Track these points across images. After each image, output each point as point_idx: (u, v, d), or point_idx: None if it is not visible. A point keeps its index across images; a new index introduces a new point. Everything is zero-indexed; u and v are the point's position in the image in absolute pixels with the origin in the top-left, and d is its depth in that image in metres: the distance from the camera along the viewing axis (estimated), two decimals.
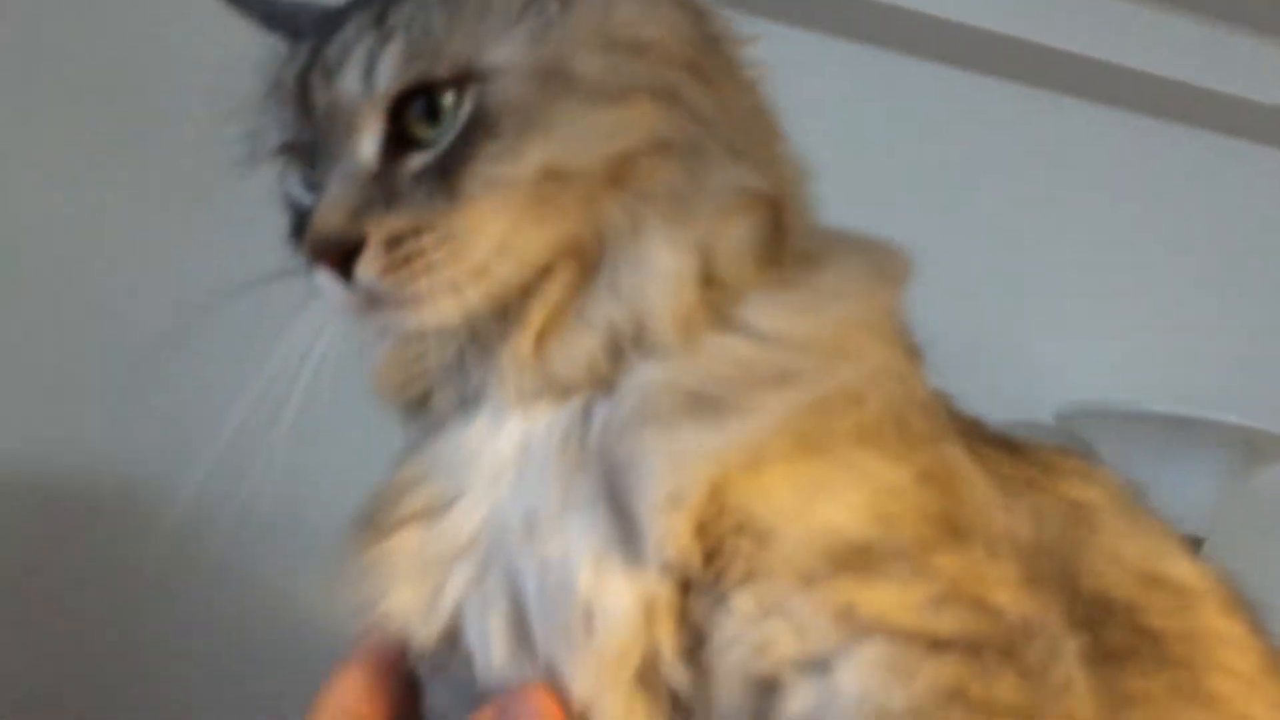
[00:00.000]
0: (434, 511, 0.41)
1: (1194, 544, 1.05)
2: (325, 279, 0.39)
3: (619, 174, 0.40)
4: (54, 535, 0.89)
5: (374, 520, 0.42)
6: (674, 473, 0.37)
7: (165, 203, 0.91)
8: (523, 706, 0.38)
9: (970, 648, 0.35)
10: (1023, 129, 1.13)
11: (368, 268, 0.38)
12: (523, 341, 0.40)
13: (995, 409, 1.21)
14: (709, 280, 0.40)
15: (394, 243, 0.38)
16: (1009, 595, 0.37)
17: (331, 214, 0.39)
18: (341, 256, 0.38)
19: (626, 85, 0.40)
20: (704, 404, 0.38)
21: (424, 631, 0.40)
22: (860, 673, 0.35)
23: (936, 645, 0.35)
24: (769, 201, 0.42)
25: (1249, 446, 1.02)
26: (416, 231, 0.38)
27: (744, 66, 0.45)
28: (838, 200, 1.19)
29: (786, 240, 0.42)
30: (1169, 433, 1.03)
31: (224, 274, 0.44)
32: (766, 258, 0.42)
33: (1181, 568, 0.45)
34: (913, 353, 0.44)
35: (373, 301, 0.39)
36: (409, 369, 0.43)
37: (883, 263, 0.45)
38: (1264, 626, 0.47)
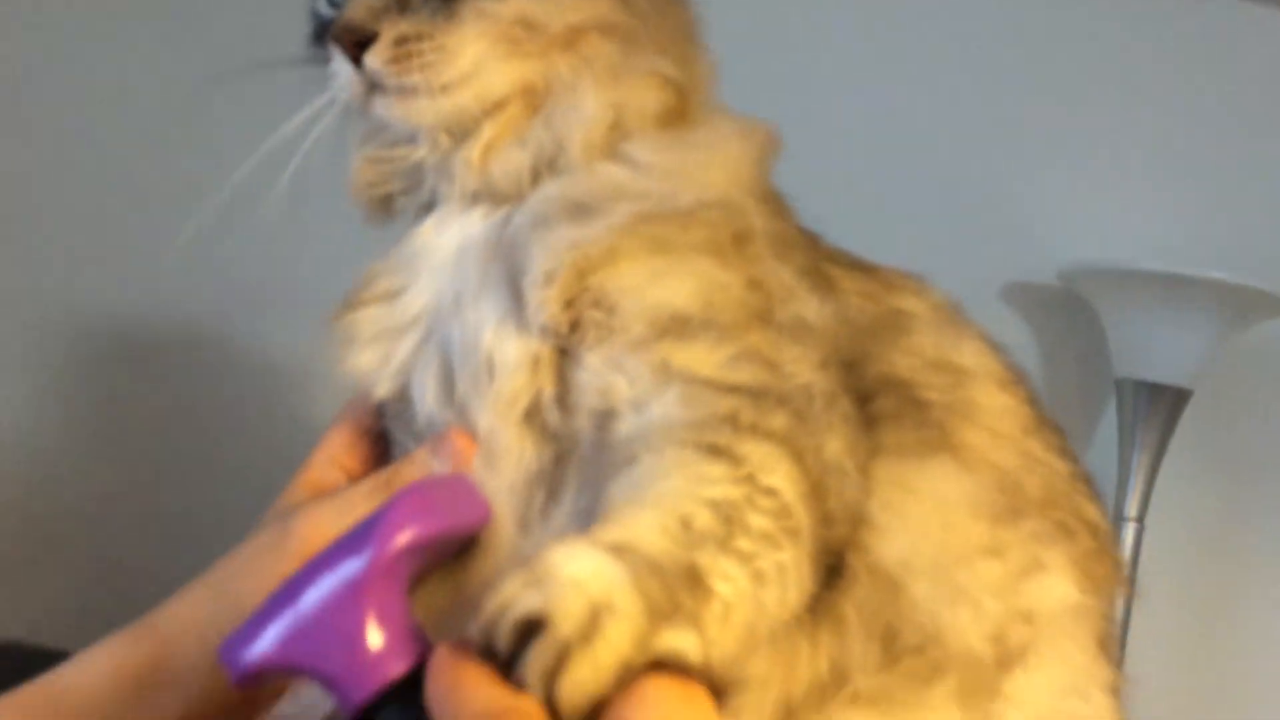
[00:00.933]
0: (392, 294, 0.54)
1: (1181, 396, 1.11)
2: (340, 62, 0.51)
3: (572, 40, 0.52)
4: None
5: (351, 299, 0.55)
6: (548, 258, 0.48)
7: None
8: (446, 442, 0.51)
9: (754, 393, 0.46)
10: None
11: (376, 56, 0.50)
12: (474, 150, 0.52)
13: (1002, 269, 1.29)
14: (616, 127, 0.53)
15: (400, 41, 0.50)
16: (800, 368, 0.48)
17: (358, 9, 0.51)
18: (356, 43, 0.50)
19: None
20: (578, 210, 0.50)
21: (382, 388, 0.53)
22: (664, 404, 0.46)
23: (727, 389, 0.46)
24: (678, 87, 0.54)
25: (1239, 303, 1.07)
26: (418, 36, 0.50)
27: None
28: (843, 63, 1.27)
29: (685, 114, 0.55)
30: (1164, 290, 1.08)
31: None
32: (665, 122, 0.54)
33: (969, 358, 0.54)
34: (769, 199, 0.55)
35: (373, 87, 0.51)
36: (379, 171, 0.56)
37: (750, 129, 0.56)
38: (1041, 405, 0.56)
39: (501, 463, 0.50)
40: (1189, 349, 1.09)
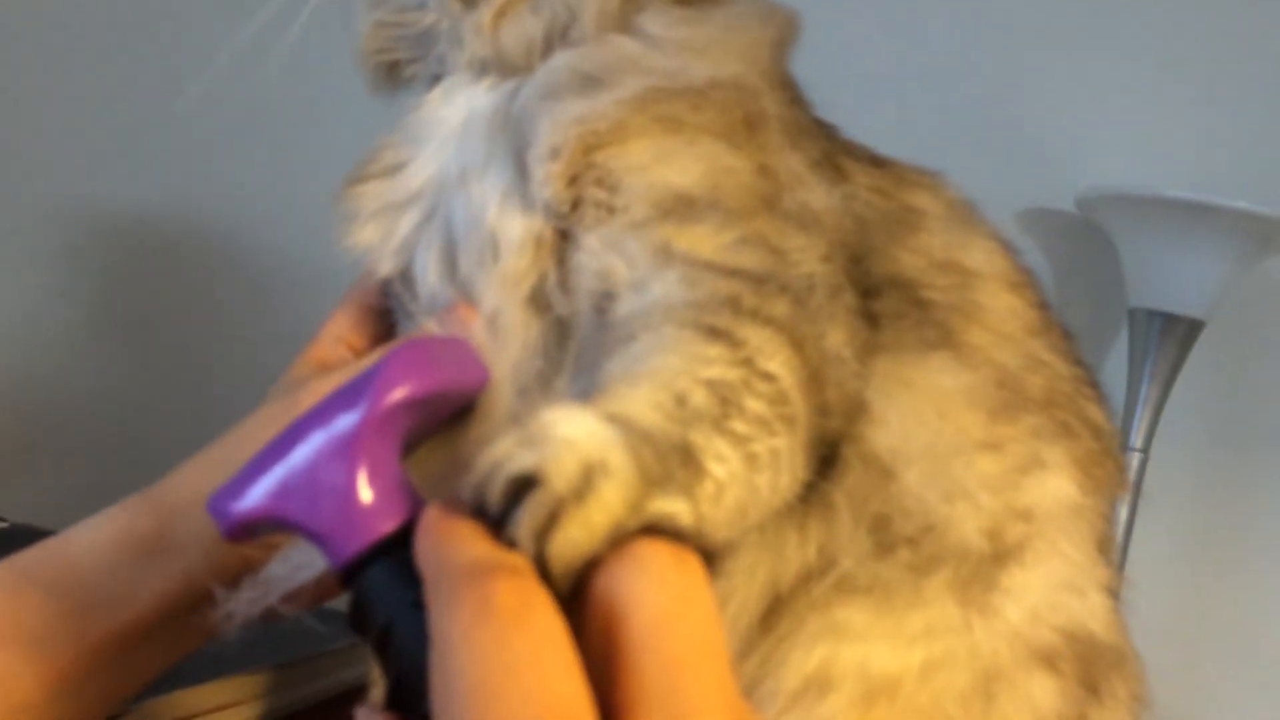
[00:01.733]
0: (395, 168, 0.53)
1: (1194, 327, 1.10)
2: None
3: None
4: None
5: (355, 173, 0.54)
6: (554, 131, 0.47)
7: None
8: (452, 316, 0.50)
9: (757, 278, 0.44)
10: None
11: None
12: (486, 14, 0.51)
13: (1017, 195, 1.27)
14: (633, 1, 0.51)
15: None
16: (805, 256, 0.46)
17: None
18: None
19: None
20: (587, 81, 0.48)
21: (385, 265, 0.53)
22: (664, 285, 0.45)
23: (729, 272, 0.45)
24: None
25: (1260, 233, 1.05)
26: None
27: None
28: None
29: None
30: (1183, 217, 1.06)
31: None
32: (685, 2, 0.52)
33: (978, 258, 0.53)
34: (785, 84, 0.54)
35: None
36: (387, 37, 0.55)
37: (770, 12, 0.55)
38: (1050, 309, 0.55)
39: (505, 342, 0.50)
40: (1205, 279, 1.08)
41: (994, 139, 1.16)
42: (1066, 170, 1.14)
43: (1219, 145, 1.14)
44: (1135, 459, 1.11)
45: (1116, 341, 1.16)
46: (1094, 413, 0.53)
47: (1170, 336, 1.10)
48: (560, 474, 0.33)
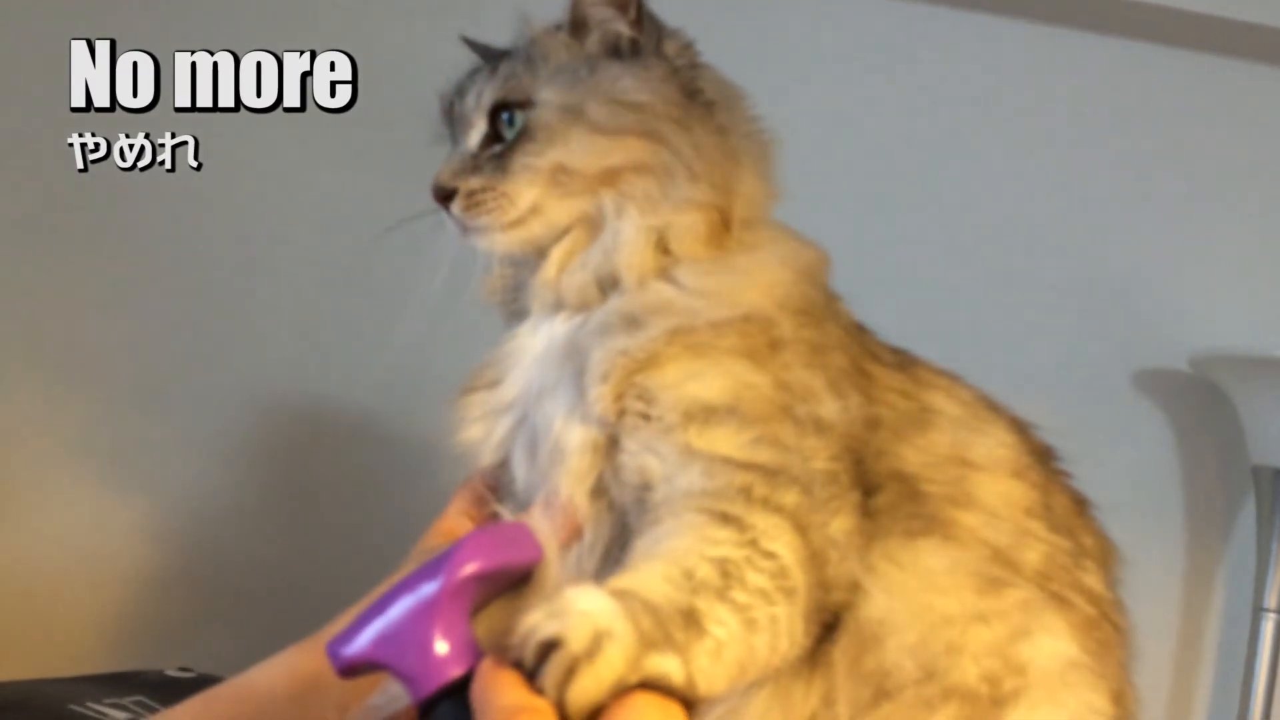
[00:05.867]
0: (494, 383, 0.66)
1: None
2: (444, 212, 0.66)
3: (609, 178, 0.64)
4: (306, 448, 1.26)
5: (466, 385, 0.68)
6: (604, 360, 0.60)
7: None
8: (555, 500, 0.62)
9: (770, 471, 0.54)
10: (1158, 86, 1.19)
11: (456, 206, 0.65)
12: (548, 270, 0.65)
13: (1133, 357, 1.31)
14: (664, 250, 0.63)
15: (470, 194, 0.64)
16: (815, 455, 0.56)
17: (443, 174, 0.66)
18: (444, 198, 0.65)
19: (621, 127, 0.64)
20: (631, 322, 0.61)
21: (486, 458, 0.66)
22: (689, 476, 0.55)
23: (745, 465, 0.54)
24: (717, 209, 0.64)
25: None
26: (484, 189, 0.64)
27: (722, 120, 0.66)
28: (974, 152, 1.33)
29: (729, 232, 0.64)
30: None
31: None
32: (712, 241, 0.64)
33: (981, 453, 0.60)
34: (809, 311, 0.63)
35: (461, 228, 0.65)
36: (496, 284, 0.69)
37: (792, 256, 0.65)
38: (1054, 487, 0.61)
39: (580, 524, 0.61)
40: None
41: (1107, 302, 1.20)
42: (1179, 331, 1.17)
43: None
44: (1271, 620, 1.10)
45: (1245, 500, 1.15)
46: (1091, 582, 0.59)
47: None
48: (577, 639, 0.44)
